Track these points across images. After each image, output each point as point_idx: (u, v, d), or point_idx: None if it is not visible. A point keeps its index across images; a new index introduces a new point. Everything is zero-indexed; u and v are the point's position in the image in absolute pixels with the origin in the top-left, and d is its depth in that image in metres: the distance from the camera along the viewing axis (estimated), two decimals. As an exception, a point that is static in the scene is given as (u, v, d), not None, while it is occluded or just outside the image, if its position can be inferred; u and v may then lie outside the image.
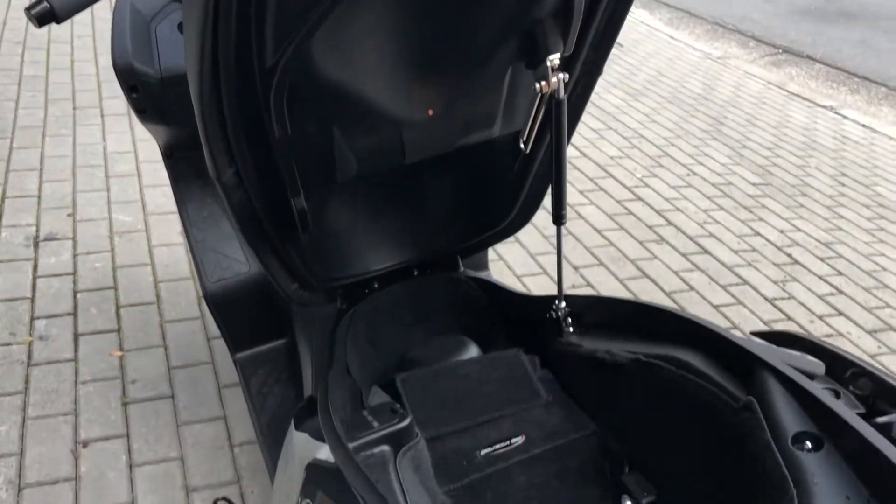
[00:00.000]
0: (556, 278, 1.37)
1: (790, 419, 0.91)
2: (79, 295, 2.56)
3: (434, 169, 1.36)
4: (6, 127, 3.63)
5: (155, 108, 1.54)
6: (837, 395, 0.92)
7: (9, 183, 3.17)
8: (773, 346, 1.08)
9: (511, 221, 1.53)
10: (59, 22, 1.19)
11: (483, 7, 1.09)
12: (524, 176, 1.47)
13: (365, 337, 1.52)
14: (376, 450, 1.03)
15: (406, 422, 1.06)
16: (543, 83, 1.20)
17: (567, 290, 1.51)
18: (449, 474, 1.19)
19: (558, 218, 1.30)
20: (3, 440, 2.00)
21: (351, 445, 0.99)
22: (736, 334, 1.07)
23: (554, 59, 1.17)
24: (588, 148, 4.17)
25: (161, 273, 2.71)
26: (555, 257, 1.35)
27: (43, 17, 1.15)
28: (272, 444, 1.67)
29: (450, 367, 1.36)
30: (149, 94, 1.51)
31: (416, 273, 1.61)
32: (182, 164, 1.82)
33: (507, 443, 1.23)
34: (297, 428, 1.22)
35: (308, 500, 1.00)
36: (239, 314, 1.84)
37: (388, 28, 1.04)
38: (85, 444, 2.02)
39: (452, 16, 1.08)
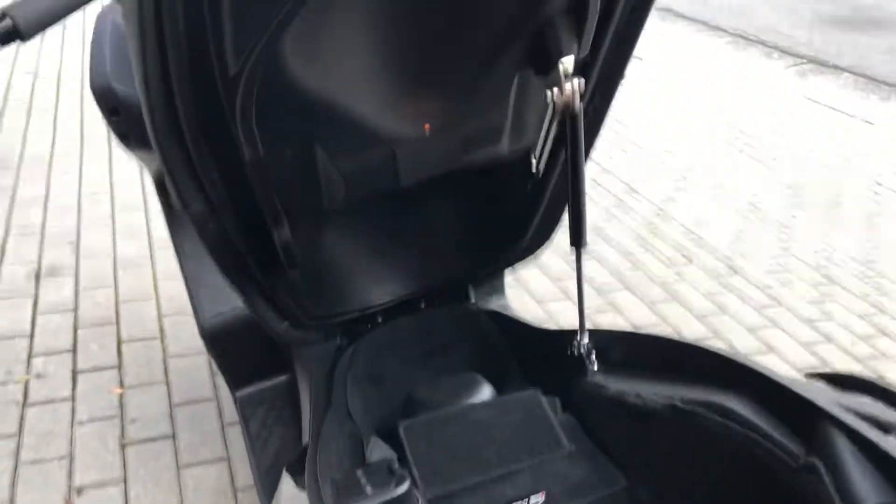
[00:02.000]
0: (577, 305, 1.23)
1: (866, 487, 0.75)
2: (79, 331, 2.46)
3: (436, 190, 1.23)
4: (12, 157, 3.57)
5: (139, 132, 1.43)
6: None
7: (13, 216, 3.09)
8: (836, 393, 0.93)
9: (525, 246, 1.39)
10: (24, 40, 1.07)
11: (484, 4, 0.96)
12: (538, 196, 1.33)
13: (367, 376, 1.38)
14: None
15: (404, 487, 0.92)
16: (556, 91, 1.05)
17: (590, 315, 1.36)
18: None
19: (577, 240, 1.15)
20: (-8, 488, 1.89)
21: None
22: (789, 377, 0.91)
23: (567, 62, 1.03)
24: (612, 160, 4.02)
25: (165, 307, 2.60)
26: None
27: (5, 37, 1.04)
28: (269, 491, 1.53)
29: (459, 413, 1.22)
30: (131, 118, 1.40)
31: (423, 305, 1.48)
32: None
33: (526, 501, 1.09)
34: (291, 478, 1.09)
35: None
36: (237, 351, 1.71)
37: (373, 30, 0.91)
38: (79, 491, 1.90)
39: (448, 15, 0.95)
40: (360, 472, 0.96)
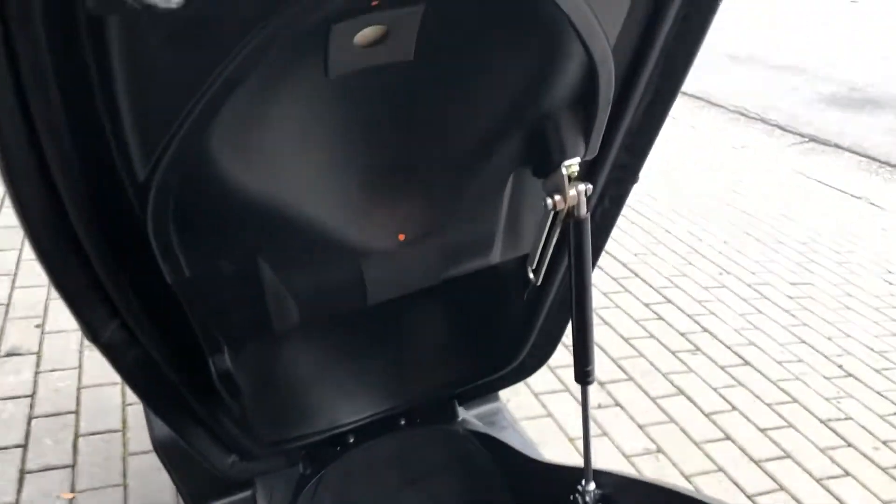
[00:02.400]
0: (579, 400, 1.03)
1: None
2: (34, 421, 2.24)
3: (416, 301, 1.04)
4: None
5: None
6: None
7: (-24, 290, 2.91)
8: None
9: (522, 362, 1.21)
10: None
11: (475, 92, 0.79)
12: (537, 306, 1.15)
13: (336, 510, 1.19)
14: None
15: None
16: (558, 198, 0.89)
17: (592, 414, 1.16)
18: None
19: (583, 375, 0.97)
20: None
21: None
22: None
23: (572, 165, 0.86)
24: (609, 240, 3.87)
25: (131, 394, 2.39)
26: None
27: None
28: None
29: None
30: None
31: (402, 423, 1.28)
32: None
33: None
34: None
35: None
36: (193, 466, 1.51)
37: (329, 118, 0.74)
38: None
39: (429, 103, 0.78)
40: None
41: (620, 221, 3.45)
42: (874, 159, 6.13)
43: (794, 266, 3.92)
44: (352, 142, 0.78)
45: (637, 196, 4.54)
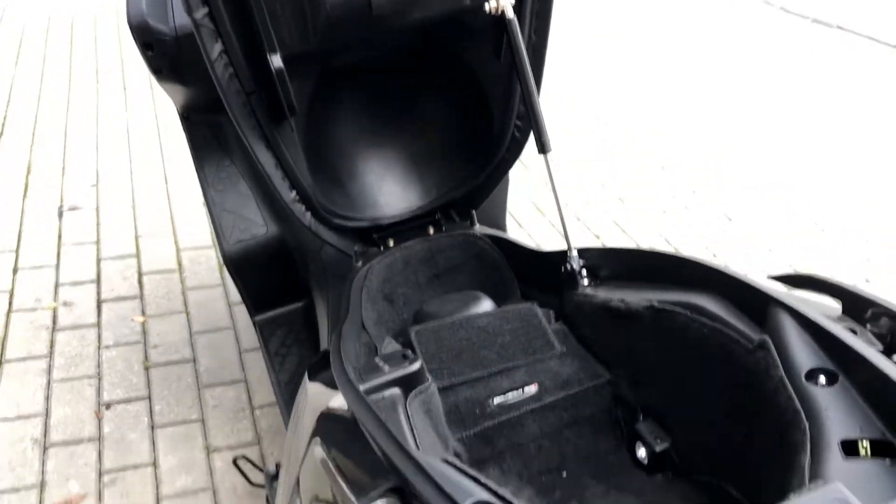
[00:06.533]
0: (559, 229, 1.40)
1: (804, 356, 0.89)
2: (102, 262, 2.59)
3: (420, 100, 1.42)
4: (31, 100, 3.68)
5: (170, 66, 1.54)
6: (854, 333, 0.91)
7: (34, 155, 3.22)
8: (790, 289, 1.06)
9: (503, 158, 1.55)
10: None
11: None
12: (508, 101, 1.48)
13: (380, 293, 1.52)
14: (387, 393, 1.03)
15: (416, 366, 1.06)
16: (493, 3, 1.27)
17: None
18: (461, 422, 1.19)
19: (541, 146, 1.31)
20: (28, 401, 2.04)
21: (361, 388, 0.99)
22: (752, 277, 1.05)
23: None
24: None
25: (183, 242, 2.73)
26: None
27: None
28: (289, 401, 1.68)
29: (464, 320, 1.35)
30: (164, 53, 1.51)
31: (431, 232, 1.61)
32: (200, 126, 1.83)
33: (520, 392, 1.23)
34: (310, 379, 1.23)
35: (318, 446, 1.00)
36: (258, 276, 1.84)
37: None
38: (108, 406, 2.05)
39: None
40: (377, 359, 1.10)
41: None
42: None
43: None
44: None
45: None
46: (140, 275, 2.55)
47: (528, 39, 1.40)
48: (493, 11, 1.30)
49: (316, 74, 1.42)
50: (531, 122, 1.36)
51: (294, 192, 1.36)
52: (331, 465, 0.91)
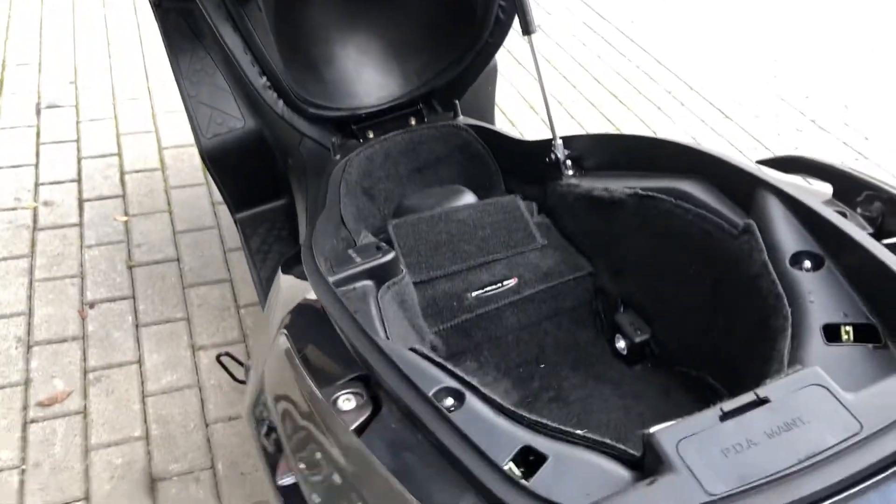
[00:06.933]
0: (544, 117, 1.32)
1: (790, 239, 0.85)
2: (83, 161, 2.53)
3: None
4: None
5: None
6: (844, 216, 0.86)
7: (8, 50, 3.10)
8: (779, 172, 1.01)
9: (486, 42, 1.46)
10: None
11: None
12: None
13: (360, 187, 1.46)
14: (358, 284, 0.99)
15: (388, 257, 1.02)
16: None
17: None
18: (439, 315, 1.16)
19: (525, 26, 1.24)
20: (11, 300, 2.01)
21: (332, 279, 0.96)
22: (740, 159, 1.00)
23: None
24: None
25: (165, 140, 2.66)
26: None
27: None
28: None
29: (444, 214, 1.30)
30: None
31: (413, 123, 1.54)
32: (172, 14, 1.73)
33: (499, 285, 1.19)
34: (283, 273, 1.19)
35: (283, 337, 0.97)
36: (237, 172, 1.78)
37: None
38: (92, 306, 2.03)
39: None
40: (350, 251, 1.06)
41: None
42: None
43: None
44: None
45: None
46: (122, 173, 2.49)
47: None
48: None
49: None
50: (515, 0, 1.27)
51: (265, 78, 1.29)
52: (296, 356, 0.88)
